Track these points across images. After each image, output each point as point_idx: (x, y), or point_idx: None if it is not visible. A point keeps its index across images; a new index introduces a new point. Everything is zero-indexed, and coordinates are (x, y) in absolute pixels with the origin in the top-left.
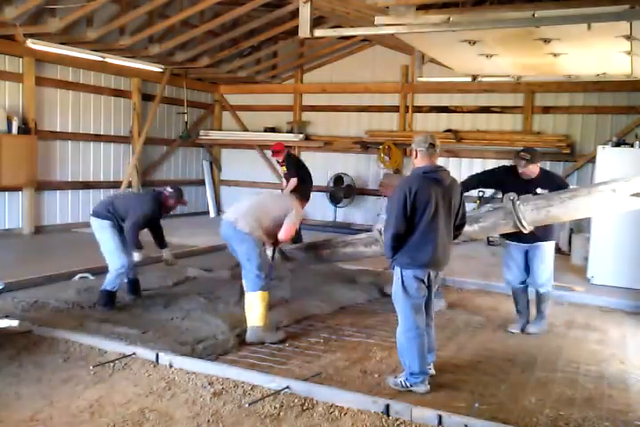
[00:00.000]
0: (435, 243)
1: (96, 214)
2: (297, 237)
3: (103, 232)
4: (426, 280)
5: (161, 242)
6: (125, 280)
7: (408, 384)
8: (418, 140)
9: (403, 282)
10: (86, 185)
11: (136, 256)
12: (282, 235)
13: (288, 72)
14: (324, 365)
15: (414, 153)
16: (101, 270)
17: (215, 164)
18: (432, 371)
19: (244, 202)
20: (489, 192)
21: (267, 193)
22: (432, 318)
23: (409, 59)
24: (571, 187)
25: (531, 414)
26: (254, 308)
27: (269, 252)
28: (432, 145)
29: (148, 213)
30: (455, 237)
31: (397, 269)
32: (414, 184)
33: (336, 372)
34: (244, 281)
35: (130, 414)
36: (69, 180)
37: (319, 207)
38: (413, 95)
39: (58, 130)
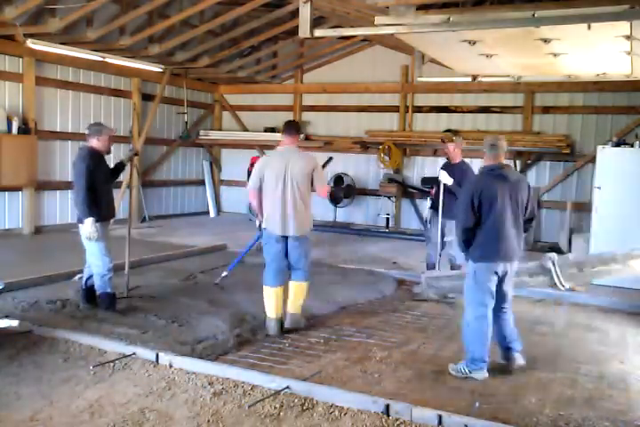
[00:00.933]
0: (503, 236)
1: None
2: None
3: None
4: (499, 272)
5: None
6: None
7: (468, 371)
8: (484, 142)
9: (475, 274)
10: None
11: (88, 225)
12: (322, 195)
13: (288, 72)
14: (324, 364)
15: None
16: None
17: (215, 164)
18: (521, 361)
19: (283, 203)
20: None
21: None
22: (507, 310)
23: (409, 59)
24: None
25: (531, 414)
26: (304, 296)
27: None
28: (493, 146)
29: (85, 165)
30: (526, 229)
31: (470, 263)
32: (480, 182)
33: (336, 372)
34: (298, 272)
35: (130, 414)
36: (69, 180)
37: (319, 207)
38: (413, 95)
39: (58, 130)
